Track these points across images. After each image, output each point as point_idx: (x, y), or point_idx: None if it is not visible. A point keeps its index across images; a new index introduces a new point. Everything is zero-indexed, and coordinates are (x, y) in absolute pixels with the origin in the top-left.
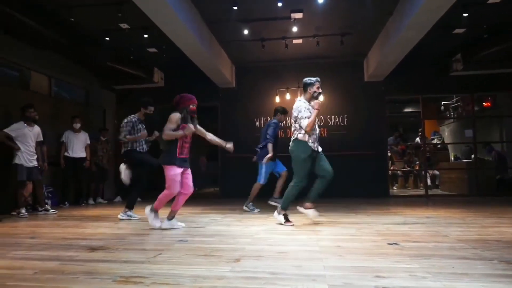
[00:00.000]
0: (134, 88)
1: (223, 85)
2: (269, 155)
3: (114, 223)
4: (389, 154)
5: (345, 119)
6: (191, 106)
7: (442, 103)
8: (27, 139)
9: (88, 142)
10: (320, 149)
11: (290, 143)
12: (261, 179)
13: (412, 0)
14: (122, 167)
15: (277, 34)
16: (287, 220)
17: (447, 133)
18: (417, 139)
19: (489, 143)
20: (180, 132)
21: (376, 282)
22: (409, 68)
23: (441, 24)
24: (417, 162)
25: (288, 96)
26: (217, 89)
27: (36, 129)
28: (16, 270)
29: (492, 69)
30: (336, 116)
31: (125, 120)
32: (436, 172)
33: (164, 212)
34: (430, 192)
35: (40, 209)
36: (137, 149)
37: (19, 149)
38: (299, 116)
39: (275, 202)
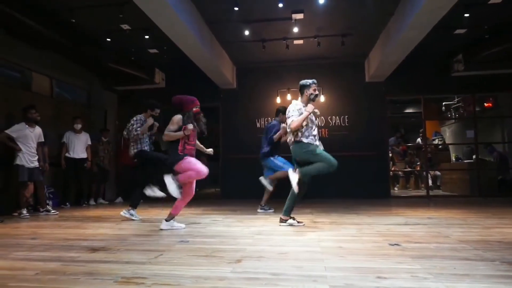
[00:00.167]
0: (135, 89)
1: (224, 86)
2: (281, 131)
3: (115, 224)
4: (390, 154)
5: (346, 120)
6: (194, 109)
7: (443, 103)
8: (28, 140)
9: (89, 143)
10: (322, 147)
11: (291, 149)
12: (284, 168)
13: (413, 0)
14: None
15: (278, 35)
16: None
17: (448, 133)
18: (418, 139)
19: (491, 143)
20: (179, 133)
21: (378, 283)
22: (410, 69)
23: (442, 24)
24: (418, 163)
25: (289, 97)
26: (218, 90)
27: (38, 130)
28: (17, 271)
29: (494, 69)
30: (337, 117)
31: (135, 118)
32: (438, 173)
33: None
34: (431, 193)
35: (41, 209)
36: (145, 148)
37: (20, 150)
38: (287, 116)
39: (264, 210)
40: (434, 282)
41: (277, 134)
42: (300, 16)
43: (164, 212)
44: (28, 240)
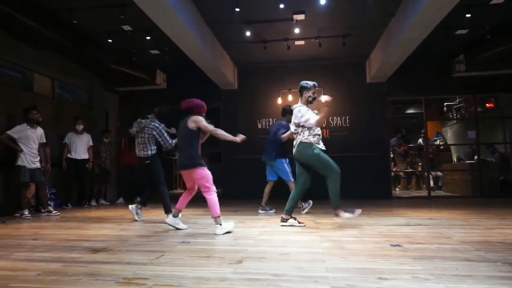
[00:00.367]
0: (136, 90)
1: (225, 87)
2: (288, 133)
3: (116, 225)
4: (391, 155)
5: (348, 120)
6: (204, 115)
7: (445, 104)
8: (30, 141)
9: (91, 143)
10: (324, 148)
11: (295, 149)
12: (290, 178)
13: (414, 1)
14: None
15: (279, 36)
16: (351, 211)
17: (449, 134)
18: (420, 140)
19: (492, 144)
20: (231, 137)
21: (379, 284)
22: (412, 69)
23: (443, 25)
24: (420, 163)
25: (290, 98)
26: (219, 91)
27: (39, 131)
28: (19, 272)
29: (495, 70)
30: (338, 117)
31: (159, 125)
32: (439, 173)
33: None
34: (433, 194)
35: (43, 210)
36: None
37: (21, 151)
38: (303, 119)
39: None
40: (435, 283)
41: (286, 134)
42: (301, 17)
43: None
44: (30, 241)
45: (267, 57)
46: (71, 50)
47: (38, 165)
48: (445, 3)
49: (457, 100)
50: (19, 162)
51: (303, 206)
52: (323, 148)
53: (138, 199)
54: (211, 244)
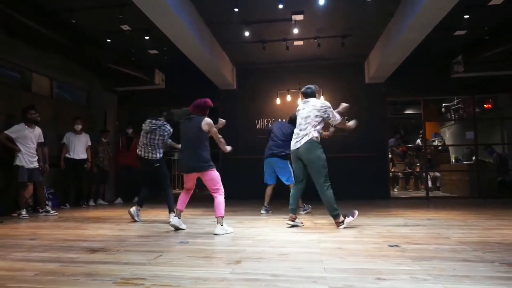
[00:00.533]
0: (135, 89)
1: (224, 87)
2: None
3: (115, 225)
4: (390, 155)
5: (346, 121)
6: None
7: (443, 104)
8: (28, 141)
9: (89, 143)
10: None
11: (303, 144)
12: (292, 179)
13: (413, 1)
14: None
15: (278, 36)
16: (346, 216)
17: (448, 135)
18: (418, 140)
19: (490, 145)
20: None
21: (377, 284)
22: (410, 70)
23: (442, 25)
24: (418, 164)
25: (289, 98)
26: (218, 91)
27: (37, 130)
28: (16, 272)
29: (493, 70)
30: (330, 112)
31: (161, 123)
32: (437, 174)
33: (159, 214)
34: (431, 194)
35: (40, 210)
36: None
37: (19, 150)
38: (331, 115)
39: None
40: (433, 283)
41: None
42: (300, 17)
43: (162, 213)
44: (28, 241)
45: (266, 57)
46: (69, 50)
47: (36, 165)
48: (444, 3)
49: (456, 100)
50: (17, 162)
51: (304, 206)
52: None
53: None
54: (209, 244)
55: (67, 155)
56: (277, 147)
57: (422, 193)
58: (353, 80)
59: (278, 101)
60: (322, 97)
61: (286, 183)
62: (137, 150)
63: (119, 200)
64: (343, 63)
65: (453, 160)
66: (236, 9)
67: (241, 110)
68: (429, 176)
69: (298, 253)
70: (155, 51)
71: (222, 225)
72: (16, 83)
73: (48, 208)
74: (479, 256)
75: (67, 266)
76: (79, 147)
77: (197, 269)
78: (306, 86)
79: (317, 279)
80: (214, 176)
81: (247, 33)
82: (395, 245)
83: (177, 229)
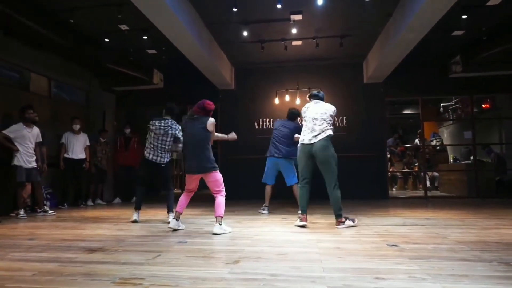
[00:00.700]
0: (133, 89)
1: (223, 87)
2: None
3: (113, 225)
4: (388, 155)
5: (345, 121)
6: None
7: (441, 104)
8: (26, 141)
9: (88, 143)
10: None
11: (320, 140)
12: (296, 179)
13: (411, 2)
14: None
15: (276, 36)
16: (347, 218)
17: (446, 134)
18: (416, 140)
19: (488, 144)
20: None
21: (376, 283)
22: (409, 70)
23: (440, 26)
24: (416, 164)
25: (287, 98)
26: (216, 91)
27: (35, 130)
28: (14, 272)
29: (492, 70)
30: (335, 118)
31: (170, 123)
32: (436, 174)
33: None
34: (429, 194)
35: (39, 210)
36: None
37: (17, 150)
38: (334, 116)
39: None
40: (432, 283)
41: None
42: (298, 17)
43: (161, 213)
44: (26, 241)
45: (265, 57)
46: (68, 50)
47: (34, 164)
48: (442, 4)
49: (454, 100)
50: (15, 162)
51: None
52: None
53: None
54: (208, 244)
55: (65, 155)
56: (283, 147)
57: (420, 193)
58: (352, 80)
59: (276, 101)
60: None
61: (289, 183)
62: (145, 152)
63: (117, 200)
64: (342, 63)
65: (451, 160)
66: (234, 9)
67: (239, 110)
68: (427, 176)
69: (297, 252)
70: (153, 51)
71: (220, 225)
72: (14, 82)
73: (46, 208)
74: (477, 255)
75: (65, 266)
76: (77, 147)
77: (196, 269)
78: (317, 90)
79: (315, 278)
80: (218, 178)
81: (245, 33)
82: (393, 245)
83: (175, 229)
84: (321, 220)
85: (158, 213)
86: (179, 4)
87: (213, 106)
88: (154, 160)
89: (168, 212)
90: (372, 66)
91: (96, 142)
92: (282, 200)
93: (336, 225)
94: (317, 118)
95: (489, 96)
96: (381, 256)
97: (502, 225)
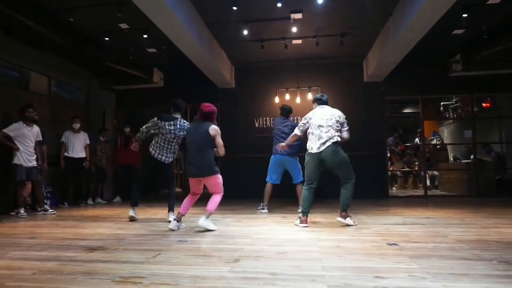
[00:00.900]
0: (134, 88)
1: (223, 86)
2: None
3: (113, 224)
4: (388, 154)
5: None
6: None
7: (442, 103)
8: (26, 139)
9: (88, 142)
10: None
11: (328, 147)
12: (301, 177)
13: (411, 1)
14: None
15: (276, 35)
16: (350, 216)
17: (446, 133)
18: (417, 139)
19: (489, 143)
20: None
21: (376, 282)
22: (409, 69)
23: (440, 24)
24: (417, 163)
25: (287, 97)
26: (216, 90)
27: (35, 129)
28: (15, 270)
29: (492, 69)
30: (347, 122)
31: (180, 123)
32: (436, 173)
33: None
34: (429, 193)
35: (39, 209)
36: None
37: (18, 149)
38: (346, 122)
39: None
40: (432, 281)
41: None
42: (298, 16)
43: (161, 212)
44: (26, 240)
45: (265, 56)
46: (68, 49)
47: (34, 163)
48: (442, 3)
49: (454, 99)
50: (15, 161)
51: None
52: None
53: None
54: (208, 243)
55: (65, 154)
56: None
57: (420, 192)
58: (352, 79)
59: (276, 99)
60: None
61: (296, 181)
62: (150, 149)
63: (117, 198)
64: (342, 62)
65: (451, 159)
66: (234, 8)
67: (239, 109)
68: (427, 175)
69: (297, 251)
70: (153, 50)
71: (207, 218)
72: (14, 82)
73: (47, 207)
74: (477, 254)
75: (65, 265)
76: (77, 146)
77: (196, 268)
78: (321, 94)
79: (315, 277)
80: (218, 181)
81: (245, 32)
82: (393, 244)
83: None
84: (321, 219)
85: (158, 212)
86: (179, 3)
87: (208, 108)
88: (159, 159)
89: (168, 211)
90: (372, 65)
91: (96, 141)
92: (283, 199)
93: (338, 216)
94: (322, 125)
95: (490, 95)
96: (381, 255)
97: (502, 224)
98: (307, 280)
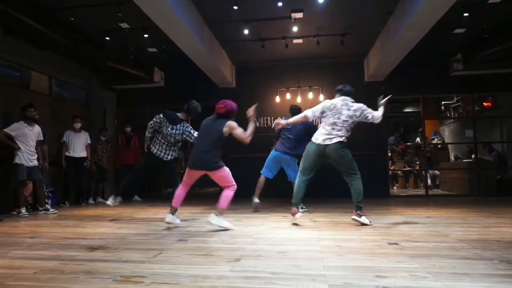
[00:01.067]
0: (134, 88)
1: (223, 85)
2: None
3: (114, 223)
4: (389, 154)
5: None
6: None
7: (443, 103)
8: (27, 139)
9: (89, 141)
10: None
11: (335, 146)
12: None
13: (412, 0)
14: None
15: (277, 34)
16: (364, 215)
17: (447, 133)
18: (418, 139)
19: (490, 143)
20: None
21: (377, 282)
22: (410, 68)
23: (441, 24)
24: (418, 162)
25: (288, 96)
26: (217, 89)
27: (36, 128)
28: (16, 270)
29: (493, 69)
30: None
31: (184, 124)
32: (437, 172)
33: (158, 212)
34: (430, 192)
35: (40, 208)
36: None
37: (19, 148)
38: (366, 112)
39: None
40: (433, 281)
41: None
42: (299, 15)
43: (162, 211)
44: (27, 239)
45: (265, 55)
46: (68, 48)
47: (35, 163)
48: (443, 2)
49: (455, 99)
50: (17, 160)
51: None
52: None
53: (137, 197)
54: (209, 242)
55: (66, 153)
56: (291, 144)
57: (421, 191)
58: (353, 78)
59: (277, 99)
60: (321, 96)
61: (293, 180)
62: (151, 146)
63: (118, 198)
64: (343, 62)
65: (452, 158)
66: (235, 7)
67: (240, 108)
68: (428, 174)
69: (298, 251)
70: (154, 49)
71: (217, 216)
72: (15, 81)
73: (48, 206)
74: (478, 254)
75: (66, 264)
76: (78, 145)
77: (197, 267)
78: (343, 85)
79: (316, 276)
80: (224, 174)
81: (246, 31)
82: (394, 243)
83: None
84: (322, 218)
85: (159, 212)
86: (179, 2)
87: (221, 110)
88: (158, 155)
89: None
90: (373, 65)
91: (97, 140)
92: (283, 199)
93: (353, 215)
94: (337, 124)
95: (491, 94)
96: (382, 254)
97: (503, 224)
98: (307, 280)
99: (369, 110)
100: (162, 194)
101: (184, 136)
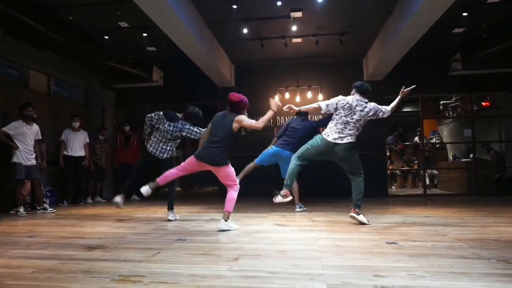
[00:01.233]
0: (133, 87)
1: (222, 84)
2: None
3: (112, 222)
4: (388, 153)
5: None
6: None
7: (441, 102)
8: (26, 138)
9: (88, 141)
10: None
11: (344, 146)
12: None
13: (411, 0)
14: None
15: (276, 33)
16: (362, 213)
17: (446, 132)
18: (416, 138)
19: (488, 142)
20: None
21: (375, 281)
22: (409, 68)
23: (440, 23)
24: (416, 162)
25: (287, 95)
26: (216, 88)
27: (35, 127)
28: (14, 269)
29: (491, 68)
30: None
31: (186, 124)
32: (435, 172)
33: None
34: (428, 192)
35: (38, 208)
36: None
37: (17, 147)
38: (378, 111)
39: None
40: (431, 280)
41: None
42: (298, 14)
43: (160, 211)
44: (25, 238)
45: (264, 54)
46: (67, 47)
47: (33, 162)
48: (442, 2)
49: (453, 98)
50: (15, 159)
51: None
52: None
53: (135, 196)
54: (207, 241)
55: (65, 153)
56: (294, 143)
57: (419, 191)
58: (352, 77)
59: (276, 98)
60: (320, 95)
61: (284, 176)
62: (147, 145)
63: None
64: (342, 61)
65: (450, 157)
66: (234, 6)
67: None
68: (426, 174)
69: (296, 250)
70: (153, 48)
71: (226, 221)
72: (13, 80)
73: (46, 206)
74: (476, 253)
75: (65, 263)
76: (77, 144)
77: (195, 266)
78: (360, 82)
79: (314, 276)
80: (229, 172)
81: (245, 31)
82: (392, 242)
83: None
84: (321, 218)
85: (158, 211)
86: (179, 1)
87: (235, 98)
88: (153, 153)
89: (168, 209)
90: (372, 64)
91: (96, 139)
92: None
93: (351, 212)
94: (349, 123)
95: (489, 94)
96: (380, 253)
97: (501, 223)
98: (306, 279)
99: (381, 108)
100: (160, 194)
101: (184, 133)
